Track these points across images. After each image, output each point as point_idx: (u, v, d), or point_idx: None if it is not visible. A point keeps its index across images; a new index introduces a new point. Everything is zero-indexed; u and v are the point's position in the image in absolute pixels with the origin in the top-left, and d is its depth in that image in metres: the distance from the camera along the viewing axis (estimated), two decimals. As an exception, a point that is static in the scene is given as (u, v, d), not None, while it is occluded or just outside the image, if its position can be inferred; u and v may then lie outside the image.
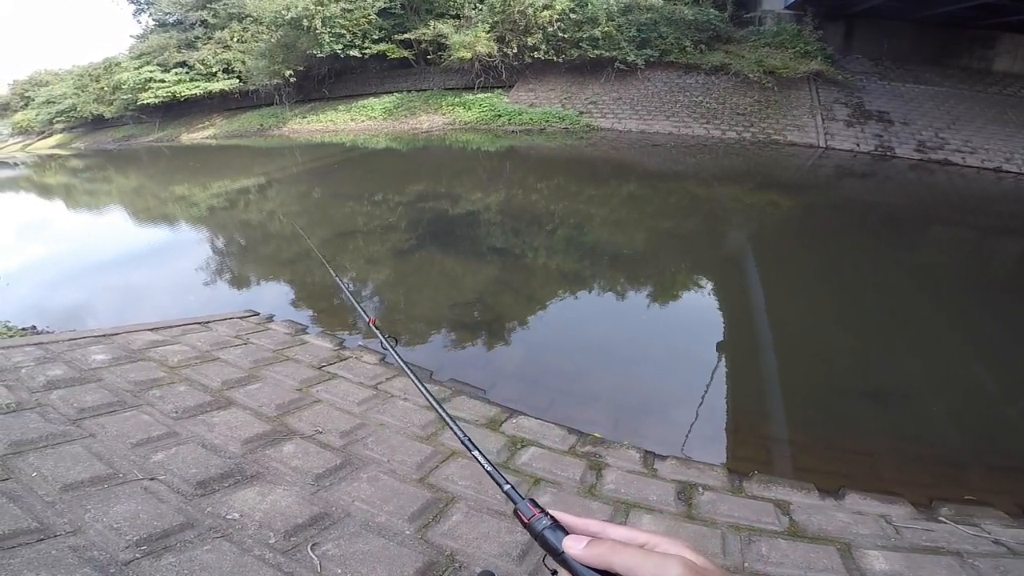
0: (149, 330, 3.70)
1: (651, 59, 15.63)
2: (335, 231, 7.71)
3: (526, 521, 0.56)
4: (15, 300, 5.71)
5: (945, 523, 2.32)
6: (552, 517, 0.55)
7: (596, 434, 2.87)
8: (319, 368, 3.33)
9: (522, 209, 8.59)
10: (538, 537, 0.54)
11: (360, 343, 3.96)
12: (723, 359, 4.07)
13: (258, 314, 4.46)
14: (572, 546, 0.49)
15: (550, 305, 5.06)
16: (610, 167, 12.02)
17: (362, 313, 1.50)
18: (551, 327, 4.64)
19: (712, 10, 16.00)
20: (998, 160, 12.43)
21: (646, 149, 13.45)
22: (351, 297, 1.77)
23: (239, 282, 6.07)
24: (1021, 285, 6.28)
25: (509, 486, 0.64)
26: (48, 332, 4.64)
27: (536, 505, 0.57)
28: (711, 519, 2.18)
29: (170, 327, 3.84)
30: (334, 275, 2.09)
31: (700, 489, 2.40)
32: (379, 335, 1.31)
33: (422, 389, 0.92)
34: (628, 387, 3.71)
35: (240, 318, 4.28)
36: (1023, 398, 3.81)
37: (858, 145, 13.30)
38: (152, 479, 1.98)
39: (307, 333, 4.09)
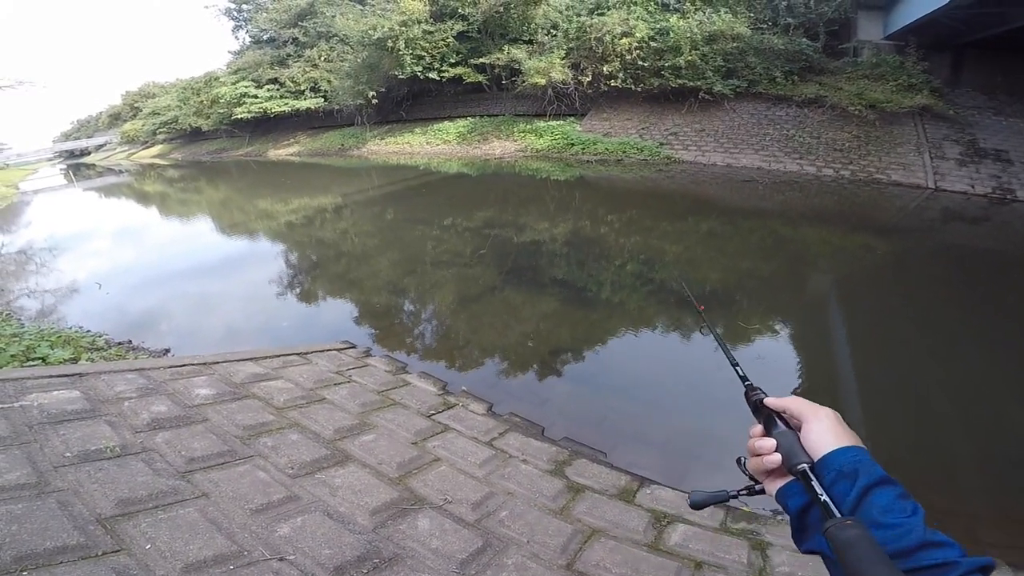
0: (249, 360, 3.67)
1: (738, 89, 14.99)
2: (408, 255, 7.68)
3: (750, 396, 0.83)
4: (108, 308, 5.93)
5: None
6: (764, 395, 0.81)
7: (746, 507, 2.58)
8: (429, 417, 3.19)
9: (592, 242, 8.26)
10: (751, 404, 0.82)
11: (464, 388, 3.75)
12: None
13: (355, 347, 4.38)
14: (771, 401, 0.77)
15: (626, 350, 4.80)
16: (689, 201, 11.50)
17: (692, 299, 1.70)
18: (645, 376, 4.35)
19: (804, 40, 15.19)
20: None
21: (732, 184, 12.80)
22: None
23: (330, 308, 6.07)
24: None
25: (739, 366, 0.94)
26: (143, 349, 4.74)
27: (754, 388, 0.84)
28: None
29: (269, 357, 3.80)
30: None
31: None
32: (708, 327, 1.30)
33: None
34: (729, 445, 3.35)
35: (338, 350, 4.21)
36: None
37: (972, 187, 12.08)
38: (281, 559, 1.79)
39: (408, 372, 3.96)
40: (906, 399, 4.07)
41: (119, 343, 4.85)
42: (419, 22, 18.04)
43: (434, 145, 19.35)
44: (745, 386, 0.83)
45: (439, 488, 2.38)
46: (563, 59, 16.16)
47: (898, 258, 8.16)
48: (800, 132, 14.19)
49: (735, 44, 14.91)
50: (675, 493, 2.63)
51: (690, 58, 14.78)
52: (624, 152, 14.96)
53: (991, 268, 7.79)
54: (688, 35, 14.92)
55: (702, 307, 1.50)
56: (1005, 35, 12.48)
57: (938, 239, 9.41)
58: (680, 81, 15.02)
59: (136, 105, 41.87)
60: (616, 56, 15.46)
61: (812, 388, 4.15)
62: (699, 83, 14.90)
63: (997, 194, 11.90)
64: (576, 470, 2.76)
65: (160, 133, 35.33)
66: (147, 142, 39.51)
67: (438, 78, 19.15)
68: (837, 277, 7.27)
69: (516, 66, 17.22)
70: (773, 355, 4.76)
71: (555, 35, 16.97)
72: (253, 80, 25.38)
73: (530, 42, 18.14)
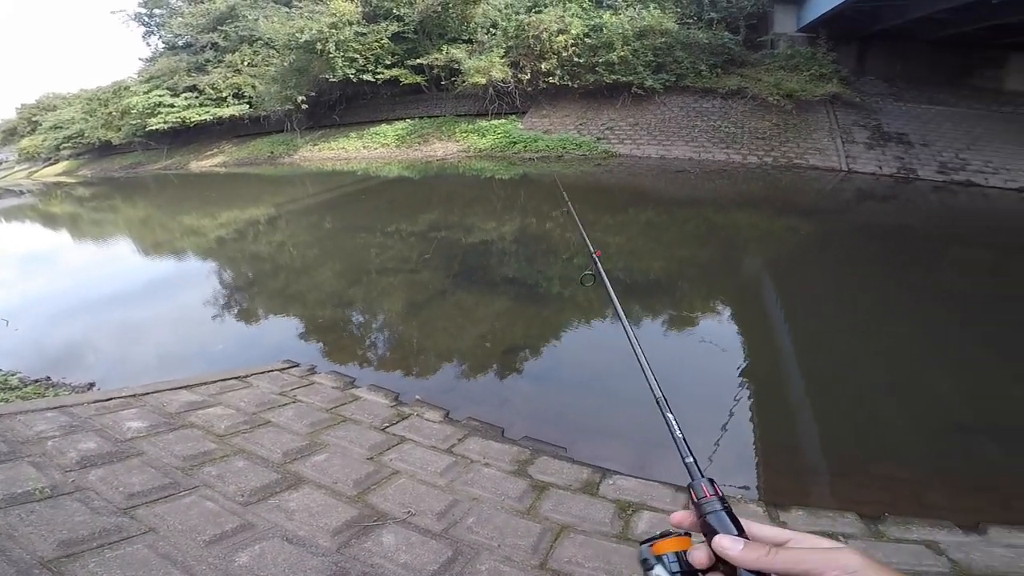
0: (183, 388, 3.43)
1: (668, 83, 15.56)
2: (350, 264, 7.45)
3: (696, 500, 0.56)
4: (21, 344, 5.38)
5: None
6: (728, 507, 0.54)
7: None
8: (383, 430, 3.06)
9: (539, 239, 8.33)
10: (702, 519, 0.54)
11: (418, 397, 3.65)
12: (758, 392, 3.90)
13: (298, 365, 4.16)
14: (728, 546, 0.49)
15: (580, 343, 4.87)
16: (628, 194, 11.82)
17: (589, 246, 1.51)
18: (599, 367, 4.39)
19: (726, 33, 15.98)
20: (1021, 180, 12.24)
21: (666, 175, 13.26)
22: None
23: (268, 327, 5.75)
24: None
25: (691, 459, 0.64)
26: (64, 385, 4.33)
27: (714, 485, 0.56)
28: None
29: (205, 383, 3.56)
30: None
31: (841, 538, 2.23)
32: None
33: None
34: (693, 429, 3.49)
35: (280, 370, 3.98)
36: None
37: (880, 168, 13.11)
38: None
39: (357, 387, 3.79)
40: (842, 371, 4.32)
41: (35, 380, 4.41)
42: (350, 24, 17.51)
43: (372, 149, 18.87)
44: (689, 484, 0.59)
45: (401, 501, 2.31)
46: (503, 58, 16.23)
47: (821, 237, 8.75)
48: (726, 123, 14.90)
49: (663, 39, 15.49)
50: (636, 481, 2.67)
51: (622, 54, 15.22)
52: (564, 148, 15.20)
53: (902, 241, 8.50)
54: (620, 31, 15.36)
55: (599, 252, 1.44)
56: (903, 26, 13.59)
57: (854, 218, 10.16)
58: (614, 77, 15.43)
59: (35, 119, 38.26)
60: (553, 53, 15.73)
61: (755, 367, 4.31)
62: (631, 78, 15.36)
63: (901, 174, 12.95)
64: (539, 468, 2.75)
65: (64, 148, 32.47)
66: (50, 159, 36.26)
67: (373, 80, 18.67)
68: (768, 259, 7.69)
69: (456, 66, 17.07)
70: (715, 337, 4.93)
71: (494, 34, 17.00)
72: (168, 88, 23.76)
73: (469, 41, 18.03)
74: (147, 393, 3.23)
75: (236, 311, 6.24)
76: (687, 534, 0.58)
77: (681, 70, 15.62)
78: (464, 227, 9.20)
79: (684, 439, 0.68)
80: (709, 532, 0.53)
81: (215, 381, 3.62)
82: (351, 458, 2.66)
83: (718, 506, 0.55)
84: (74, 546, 1.77)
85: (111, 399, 3.09)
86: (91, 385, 4.33)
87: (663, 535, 0.58)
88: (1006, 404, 3.84)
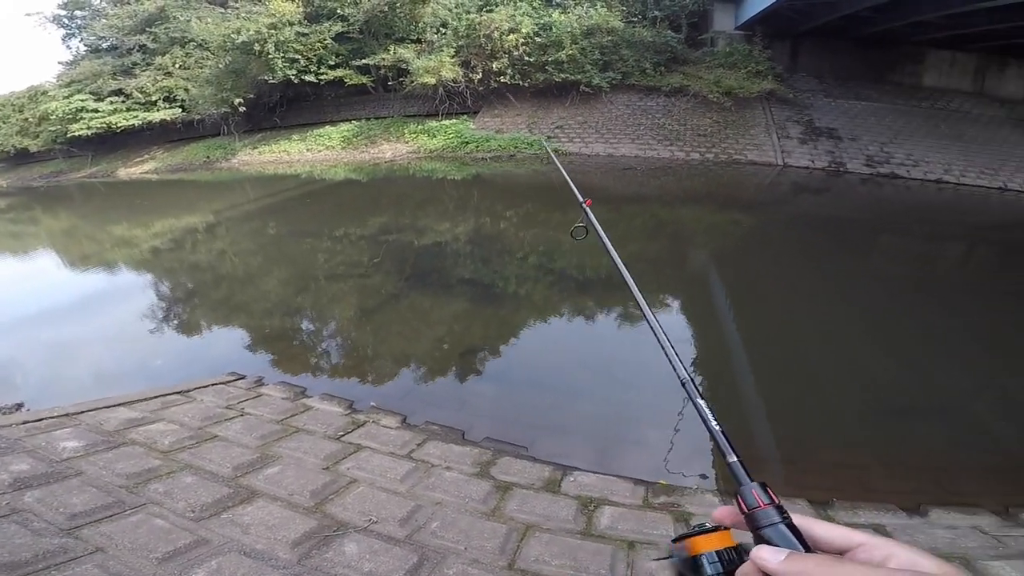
0: (121, 405, 3.23)
1: (614, 82, 15.85)
2: (297, 271, 7.19)
3: (747, 510, 0.46)
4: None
5: (1034, 529, 2.34)
6: (787, 518, 0.45)
7: (662, 482, 2.69)
8: (338, 439, 2.96)
9: (494, 239, 8.31)
10: (756, 534, 0.45)
11: (373, 404, 3.53)
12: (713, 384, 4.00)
13: (244, 377, 3.96)
14: (767, 558, 0.42)
15: (537, 341, 4.88)
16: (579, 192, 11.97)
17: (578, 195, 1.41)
18: (556, 365, 4.43)
19: (669, 32, 16.44)
20: (938, 172, 13.21)
21: (613, 173, 13.50)
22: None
23: (211, 340, 5.43)
24: (969, 287, 6.71)
25: (735, 458, 0.52)
26: (-17, 411, 3.95)
27: (768, 491, 0.47)
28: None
29: (145, 400, 3.36)
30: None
31: None
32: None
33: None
34: (634, 420, 3.58)
35: (225, 383, 3.78)
36: (985, 393, 3.97)
37: (813, 162, 13.83)
38: None
39: (308, 396, 3.63)
40: (788, 358, 4.48)
41: (-48, 407, 4.02)
42: (291, 24, 16.85)
43: (316, 152, 18.27)
44: (737, 491, 0.50)
45: (361, 510, 2.25)
46: (453, 57, 16.06)
47: (762, 230, 9.16)
48: (669, 120, 15.34)
49: (610, 37, 15.80)
50: (596, 476, 2.69)
51: (571, 52, 15.43)
52: (516, 148, 15.23)
53: (836, 232, 9.01)
54: (569, 30, 15.58)
55: (589, 201, 1.35)
56: (833, 24, 14.35)
57: (791, 210, 10.71)
58: (563, 75, 15.61)
59: (-61, 126, 35.08)
60: (504, 52, 15.74)
61: (706, 358, 4.43)
62: (580, 76, 15.59)
63: (832, 167, 13.72)
64: (501, 469, 2.73)
65: (-26, 157, 29.97)
66: (-41, 168, 33.31)
67: (316, 81, 18.00)
68: (713, 252, 7.98)
69: (404, 66, 16.71)
70: (666, 329, 5.03)
71: (444, 33, 16.79)
72: (92, 92, 22.16)
73: (418, 41, 17.70)
74: (81, 412, 3.04)
75: (176, 324, 5.87)
76: (725, 528, 0.50)
77: (627, 68, 15.96)
78: (416, 229, 9.04)
79: (723, 432, 0.56)
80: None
81: (156, 397, 3.43)
82: (306, 469, 2.58)
83: (776, 517, 0.45)
84: (18, 569, 1.71)
85: (42, 419, 2.90)
86: (19, 406, 3.98)
87: (699, 531, 0.50)
88: (939, 384, 4.07)
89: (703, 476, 2.88)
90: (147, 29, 22.69)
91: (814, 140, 14.54)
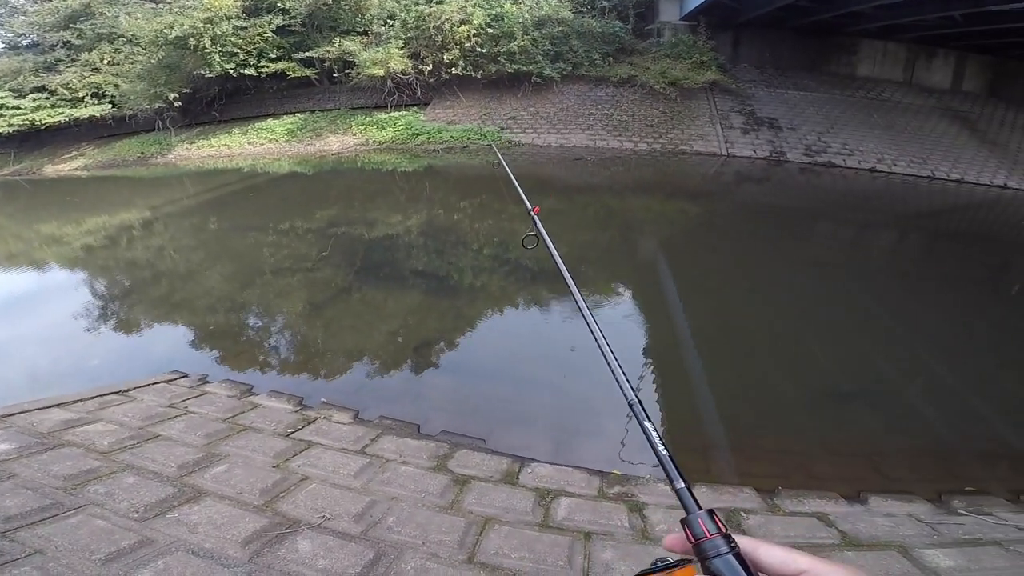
0: (55, 406, 3.07)
1: (565, 72, 15.94)
2: (241, 266, 6.92)
3: (694, 540, 0.46)
4: None
5: (966, 515, 2.48)
6: (734, 544, 0.45)
7: (616, 472, 2.73)
8: (288, 436, 2.89)
9: (448, 230, 8.25)
10: (703, 564, 0.44)
11: (323, 400, 3.43)
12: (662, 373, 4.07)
13: (187, 375, 3.80)
14: None
15: (493, 332, 4.89)
16: (530, 183, 11.99)
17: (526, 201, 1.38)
18: (512, 356, 4.45)
19: (617, 22, 16.63)
20: (871, 161, 13.96)
21: (565, 164, 13.60)
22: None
23: (151, 338, 5.16)
24: (902, 272, 7.10)
25: (683, 484, 0.52)
26: None
27: (715, 520, 0.46)
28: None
29: (81, 400, 3.21)
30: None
31: (743, 513, 2.36)
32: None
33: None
34: (585, 408, 3.62)
35: (167, 382, 3.63)
36: (918, 378, 4.18)
37: (755, 152, 14.35)
38: None
39: (255, 394, 3.52)
40: (734, 345, 4.61)
41: None
42: (228, 18, 16.07)
43: (258, 145, 17.55)
44: (683, 519, 0.50)
45: (314, 507, 2.20)
46: (402, 49, 15.72)
47: (707, 218, 9.48)
48: (618, 111, 15.57)
49: (560, 28, 15.83)
50: (553, 468, 2.71)
51: (523, 43, 15.39)
52: (468, 139, 15.10)
53: (778, 219, 9.42)
54: (520, 20, 15.53)
55: (537, 208, 1.39)
56: (772, 14, 14.84)
57: (735, 199, 11.12)
58: (515, 66, 15.57)
59: None
60: (456, 44, 15.52)
61: (655, 346, 4.51)
62: (531, 67, 15.59)
63: (773, 157, 14.27)
64: (458, 462, 2.72)
65: None
66: None
67: (256, 74, 17.28)
68: (661, 240, 8.18)
69: (350, 59, 16.23)
70: (618, 317, 5.13)
71: (392, 25, 16.40)
72: (12, 90, 20.73)
73: (365, 33, 17.19)
74: (11, 414, 2.90)
75: (113, 323, 5.56)
76: (689, 562, 0.48)
77: (577, 59, 16.07)
78: (366, 222, 8.84)
79: (671, 457, 0.55)
80: None
81: (93, 397, 3.28)
82: (255, 467, 2.52)
83: (723, 547, 0.45)
84: None
85: None
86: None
87: (662, 566, 0.48)
88: (876, 369, 4.26)
89: (655, 465, 2.92)
90: (71, 25, 21.44)
91: (756, 130, 15.05)
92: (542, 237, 1.09)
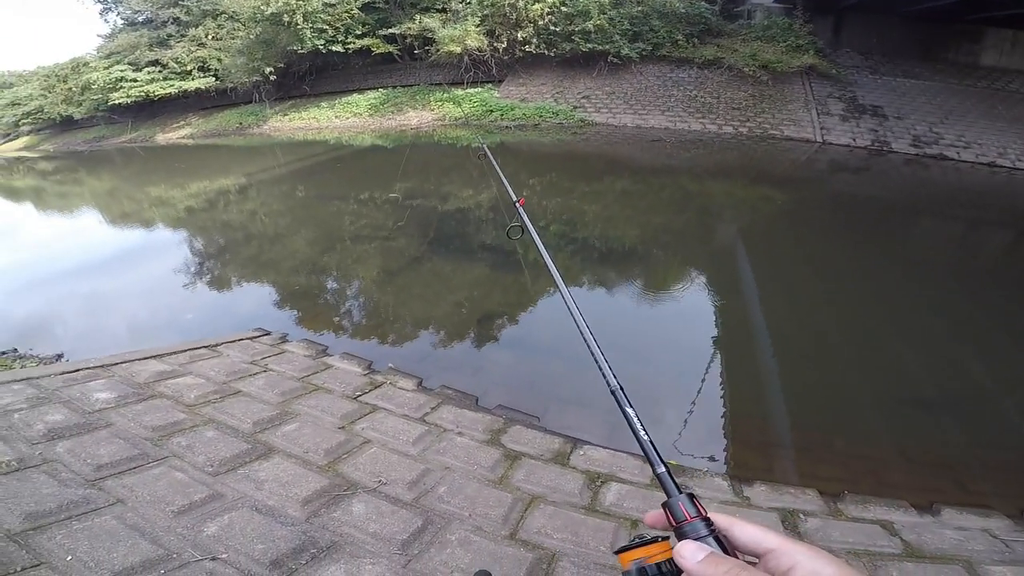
0: (152, 358, 3.36)
1: (644, 53, 15.40)
2: (323, 232, 7.33)
3: (675, 523, 0.47)
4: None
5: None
6: (713, 528, 0.46)
7: (673, 462, 2.66)
8: (355, 399, 3.03)
9: (536, 208, 8.26)
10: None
11: (391, 365, 3.61)
12: (725, 363, 3.89)
13: (269, 333, 4.10)
14: (687, 555, 0.44)
15: (556, 310, 4.76)
16: (604, 162, 11.78)
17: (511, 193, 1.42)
18: (560, 335, 4.32)
19: (703, 3, 15.85)
20: (992, 155, 12.49)
21: (641, 144, 13.21)
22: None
23: (240, 296, 5.63)
24: (1014, 279, 6.28)
25: (664, 469, 0.53)
26: (32, 357, 4.20)
27: (695, 503, 0.48)
28: (826, 546, 2.01)
29: (175, 353, 3.49)
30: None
31: (801, 515, 2.27)
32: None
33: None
34: (656, 400, 3.51)
35: (251, 339, 3.91)
36: (1017, 390, 3.75)
37: (854, 140, 13.26)
38: (214, 559, 1.68)
39: (329, 355, 3.74)
40: (812, 343, 4.33)
41: (2, 353, 4.29)
42: (317, -4, 16.89)
43: (344, 119, 18.38)
44: (665, 502, 0.51)
45: (372, 471, 2.29)
46: (478, 26, 15.81)
47: (795, 207, 8.85)
48: (701, 93, 14.86)
49: (640, 8, 15.31)
50: (606, 452, 2.66)
51: (599, 22, 14.99)
52: (541, 116, 15.03)
53: (874, 213, 8.64)
54: (596, 0, 15.05)
55: (522, 200, 1.35)
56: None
57: (828, 188, 10.30)
58: (590, 45, 15.22)
59: (-11, 97, 36.47)
60: (529, 22, 15.41)
61: (727, 338, 4.33)
62: (608, 47, 15.17)
63: (875, 146, 13.12)
64: (512, 437, 2.73)
65: (24, 124, 31.11)
66: (9, 134, 34.65)
67: (343, 51, 18.08)
68: (742, 228, 7.74)
69: (429, 35, 16.57)
70: (687, 306, 4.98)
71: (469, 2, 16.52)
72: (130, 63, 22.85)
73: (443, 10, 17.49)
74: (115, 364, 3.17)
75: (207, 280, 6.10)
76: (665, 538, 0.49)
77: (657, 39, 15.46)
78: (440, 195, 9.08)
79: (652, 442, 0.56)
80: None
81: (185, 351, 3.55)
82: (322, 427, 2.64)
83: (703, 530, 0.46)
84: (41, 518, 1.75)
85: (79, 370, 3.03)
86: (59, 356, 4.22)
87: (639, 542, 0.49)
88: (969, 381, 3.87)
89: (712, 459, 2.82)
90: (180, 2, 23.28)
91: (857, 118, 13.89)
92: (527, 228, 1.15)
